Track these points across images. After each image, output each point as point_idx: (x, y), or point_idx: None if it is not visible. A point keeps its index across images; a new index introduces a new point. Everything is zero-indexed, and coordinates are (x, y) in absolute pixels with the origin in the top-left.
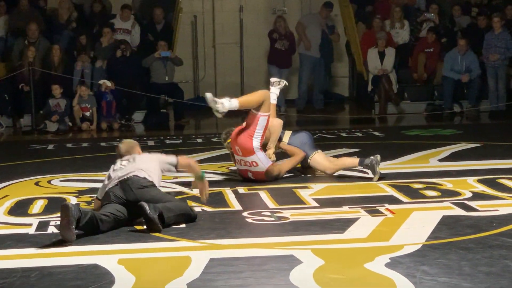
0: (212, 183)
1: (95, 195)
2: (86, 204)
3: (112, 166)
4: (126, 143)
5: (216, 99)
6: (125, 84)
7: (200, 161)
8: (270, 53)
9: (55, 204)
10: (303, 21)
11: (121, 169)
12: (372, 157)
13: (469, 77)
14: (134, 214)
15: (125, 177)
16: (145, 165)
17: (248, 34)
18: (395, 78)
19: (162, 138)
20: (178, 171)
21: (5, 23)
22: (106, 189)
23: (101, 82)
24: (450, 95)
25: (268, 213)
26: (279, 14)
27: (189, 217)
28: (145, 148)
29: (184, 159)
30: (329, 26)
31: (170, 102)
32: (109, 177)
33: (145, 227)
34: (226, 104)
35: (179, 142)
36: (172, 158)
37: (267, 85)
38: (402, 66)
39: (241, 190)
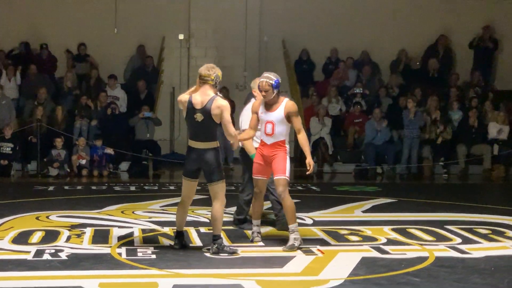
0: None
1: (83, 229)
2: (76, 236)
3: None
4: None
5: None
6: (114, 140)
7: (172, 205)
8: None
9: (51, 236)
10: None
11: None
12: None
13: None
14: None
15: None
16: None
17: None
18: (330, 143)
19: (142, 184)
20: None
21: (16, 87)
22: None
23: (106, 151)
24: (372, 159)
25: None
26: (240, 89)
27: None
28: (127, 193)
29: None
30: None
31: (150, 155)
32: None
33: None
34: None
35: (156, 188)
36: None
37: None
38: (336, 134)
39: (203, 230)
